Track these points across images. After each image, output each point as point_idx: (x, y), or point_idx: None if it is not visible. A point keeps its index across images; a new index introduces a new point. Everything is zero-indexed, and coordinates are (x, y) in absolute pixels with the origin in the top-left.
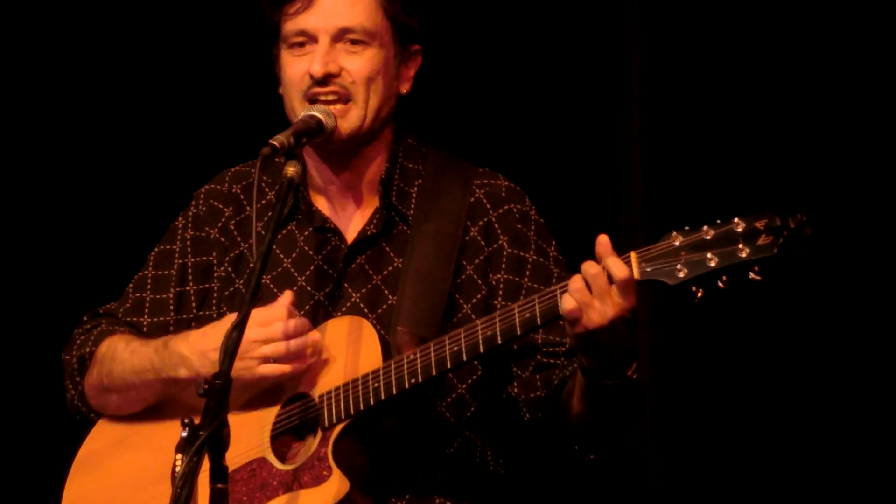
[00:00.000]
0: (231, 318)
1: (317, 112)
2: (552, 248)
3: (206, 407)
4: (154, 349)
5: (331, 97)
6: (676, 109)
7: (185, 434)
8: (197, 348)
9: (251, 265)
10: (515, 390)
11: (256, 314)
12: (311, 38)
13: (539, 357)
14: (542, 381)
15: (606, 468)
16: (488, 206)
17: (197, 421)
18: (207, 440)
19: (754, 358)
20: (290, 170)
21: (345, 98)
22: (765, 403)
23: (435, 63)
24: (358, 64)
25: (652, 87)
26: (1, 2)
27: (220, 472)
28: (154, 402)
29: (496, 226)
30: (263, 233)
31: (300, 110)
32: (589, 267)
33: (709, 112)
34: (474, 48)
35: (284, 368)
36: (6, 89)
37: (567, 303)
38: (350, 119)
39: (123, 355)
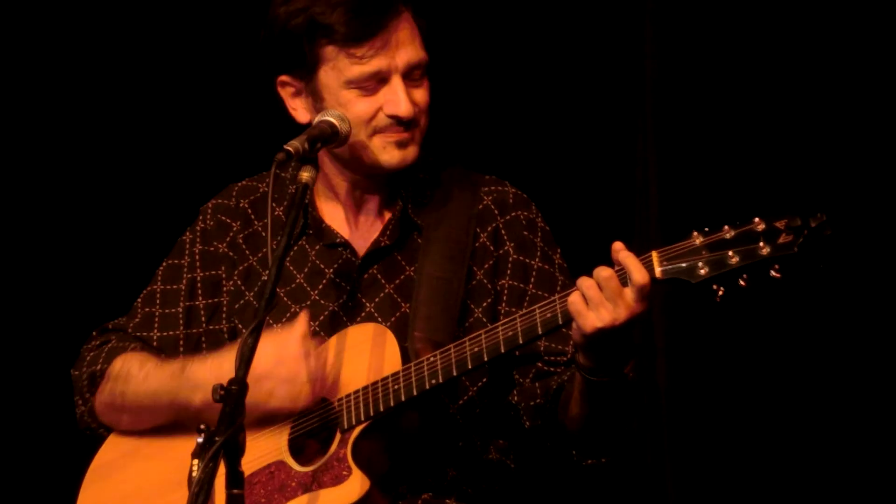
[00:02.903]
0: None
1: (330, 117)
2: (557, 256)
3: (222, 412)
4: (170, 374)
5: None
6: (690, 111)
7: (200, 440)
8: (213, 375)
9: (263, 276)
10: (516, 398)
11: (272, 342)
12: (383, 79)
13: (540, 365)
14: (542, 389)
15: (603, 473)
16: (496, 211)
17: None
18: (223, 446)
19: (769, 362)
20: (305, 175)
21: (416, 131)
22: (782, 408)
23: (447, 70)
24: (422, 95)
25: (665, 88)
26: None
27: (236, 478)
28: (165, 424)
29: (503, 232)
30: (277, 240)
31: (368, 145)
32: (601, 270)
33: (720, 114)
34: (486, 55)
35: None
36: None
37: (572, 296)
38: (413, 150)
39: (138, 377)
